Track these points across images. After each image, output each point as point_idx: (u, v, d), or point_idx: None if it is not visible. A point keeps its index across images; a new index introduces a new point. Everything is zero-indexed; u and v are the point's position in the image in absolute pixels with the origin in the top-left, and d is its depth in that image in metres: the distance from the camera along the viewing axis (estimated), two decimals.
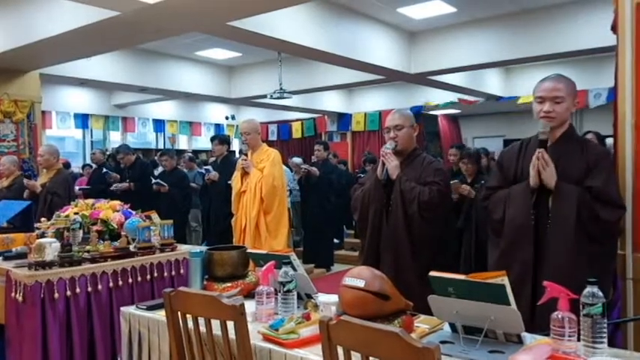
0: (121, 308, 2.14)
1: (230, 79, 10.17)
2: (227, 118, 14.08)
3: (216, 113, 14.08)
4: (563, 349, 1.51)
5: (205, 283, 2.29)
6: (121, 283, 2.64)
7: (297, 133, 13.63)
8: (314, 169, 6.83)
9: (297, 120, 13.65)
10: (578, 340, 1.51)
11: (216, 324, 1.67)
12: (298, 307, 1.94)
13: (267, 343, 1.69)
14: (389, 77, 8.31)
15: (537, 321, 2.04)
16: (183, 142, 14.44)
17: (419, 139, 12.44)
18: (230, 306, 1.59)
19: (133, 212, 3.35)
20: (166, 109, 13.27)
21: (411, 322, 1.74)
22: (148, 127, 13.36)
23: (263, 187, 3.98)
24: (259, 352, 1.69)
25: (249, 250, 2.30)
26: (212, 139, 6.04)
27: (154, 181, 6.83)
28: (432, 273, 1.66)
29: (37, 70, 7.16)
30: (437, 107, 11.49)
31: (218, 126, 14.55)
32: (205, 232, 7.02)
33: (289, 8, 5.44)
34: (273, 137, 14.01)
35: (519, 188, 2.32)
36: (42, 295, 2.35)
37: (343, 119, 12.89)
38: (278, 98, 8.85)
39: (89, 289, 2.52)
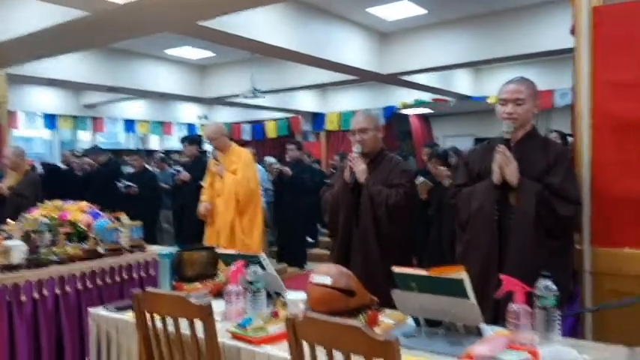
0: (89, 309, 2.14)
1: (203, 78, 10.11)
2: (200, 117, 14.01)
3: (188, 113, 13.96)
4: (519, 339, 1.58)
5: (175, 283, 2.30)
6: (89, 284, 2.63)
7: (271, 132, 13.61)
8: (286, 168, 6.86)
9: (271, 120, 13.64)
10: None
11: (184, 323, 1.69)
12: (268, 306, 1.98)
13: (235, 342, 1.72)
14: (361, 77, 8.39)
15: (502, 312, 2.11)
16: (154, 142, 14.30)
17: (392, 139, 12.52)
18: (198, 306, 1.62)
19: (102, 213, 3.33)
20: (137, 109, 13.09)
21: (375, 317, 1.79)
22: (118, 127, 13.17)
23: (240, 191, 3.96)
24: (228, 351, 1.71)
25: (218, 251, 2.32)
26: (182, 140, 6.01)
27: (125, 183, 6.75)
28: (395, 268, 1.72)
29: (3, 69, 7.00)
30: (410, 107, 11.63)
31: (190, 126, 14.43)
32: (177, 233, 6.99)
33: (260, 8, 5.45)
34: (247, 137, 13.95)
35: (483, 185, 2.40)
36: (8, 299, 2.32)
37: (317, 119, 12.93)
38: (251, 98, 8.85)
39: (57, 291, 2.50)
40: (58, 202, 3.42)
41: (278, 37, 6.26)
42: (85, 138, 13.06)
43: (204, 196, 4.20)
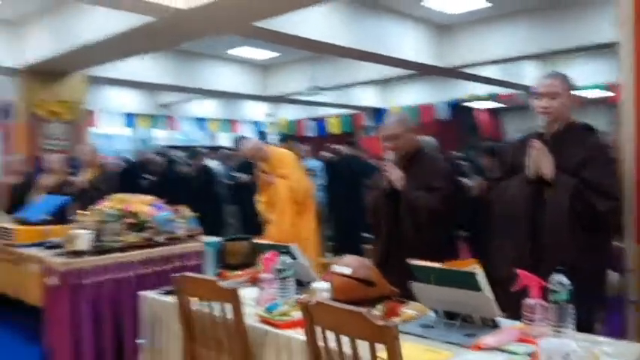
0: (140, 293, 2.36)
1: (266, 77, 10.41)
2: (267, 115, 14.41)
3: (254, 111, 14.40)
4: (533, 333, 1.61)
5: (219, 270, 2.48)
6: (146, 270, 2.87)
7: (333, 128, 13.76)
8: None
9: (333, 116, 13.79)
10: None
11: (217, 306, 1.85)
12: (298, 293, 2.10)
13: (262, 325, 1.86)
14: (420, 71, 8.33)
15: None
16: (223, 140, 14.85)
17: (456, 133, 12.21)
18: (226, 289, 1.77)
19: (164, 206, 3.59)
20: (208, 108, 13.68)
21: (395, 307, 1.86)
22: (190, 125, 13.82)
23: (297, 192, 3.95)
24: (255, 332, 1.85)
25: (255, 241, 2.48)
26: (237, 141, 6.19)
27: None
28: (413, 261, 1.78)
29: (83, 72, 7.58)
30: (474, 100, 11.39)
31: (257, 123, 14.88)
32: (242, 227, 7.29)
33: (317, 7, 5.58)
34: (310, 133, 14.20)
35: (517, 179, 2.39)
36: (73, 281, 2.60)
37: (379, 114, 12.92)
38: (311, 95, 9.03)
39: (118, 275, 2.75)
40: (124, 195, 3.72)
41: (334, 35, 6.37)
42: (160, 135, 13.80)
43: (260, 208, 4.20)
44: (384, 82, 11.13)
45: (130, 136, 13.40)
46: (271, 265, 2.09)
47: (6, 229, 3.15)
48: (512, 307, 1.78)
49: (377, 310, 1.80)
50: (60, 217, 3.30)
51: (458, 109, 11.74)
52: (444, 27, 7.68)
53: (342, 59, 8.65)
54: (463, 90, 11.04)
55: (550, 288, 1.60)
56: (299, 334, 1.75)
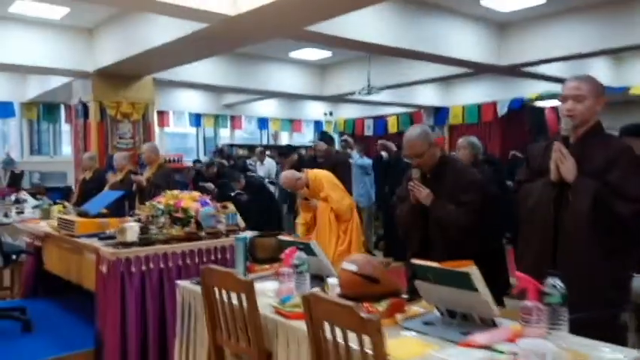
0: (176, 282, 2.58)
1: (323, 77, 10.58)
2: (326, 114, 14.60)
3: (315, 110, 14.63)
4: (529, 334, 1.64)
5: (249, 264, 2.65)
6: (188, 261, 3.10)
7: (393, 127, 13.73)
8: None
9: (392, 115, 13.76)
10: None
11: (234, 296, 2.01)
12: (315, 287, 2.22)
13: (276, 315, 2.00)
14: (478, 70, 8.19)
15: None
16: (284, 138, 15.20)
17: (522, 133, 11.76)
18: (241, 280, 1.93)
19: (210, 202, 3.83)
20: (270, 108, 14.06)
21: (399, 304, 1.94)
22: (253, 125, 14.26)
23: (340, 212, 4.04)
24: (269, 322, 2.00)
25: (280, 237, 2.62)
26: (320, 138, 6.36)
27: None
28: (413, 260, 1.86)
29: (151, 75, 8.08)
30: (540, 99, 11.00)
31: (317, 122, 15.10)
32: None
33: (371, 9, 5.66)
34: (369, 132, 14.23)
35: (541, 182, 2.39)
36: (121, 269, 2.86)
37: (440, 113, 12.77)
38: (366, 94, 9.09)
39: (161, 265, 3.00)
40: (176, 192, 4.00)
41: (388, 36, 6.41)
42: (224, 134, 14.34)
43: (299, 231, 4.32)
44: (444, 81, 10.98)
45: (196, 134, 14.02)
46: (290, 260, 2.23)
47: (69, 221, 3.49)
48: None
49: (380, 306, 1.89)
50: (117, 210, 3.61)
51: (524, 107, 11.39)
52: (502, 25, 7.52)
53: (398, 58, 8.67)
54: (527, 88, 10.71)
55: (544, 291, 1.64)
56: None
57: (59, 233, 3.58)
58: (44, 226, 3.93)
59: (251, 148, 13.98)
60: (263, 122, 14.23)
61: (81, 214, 3.63)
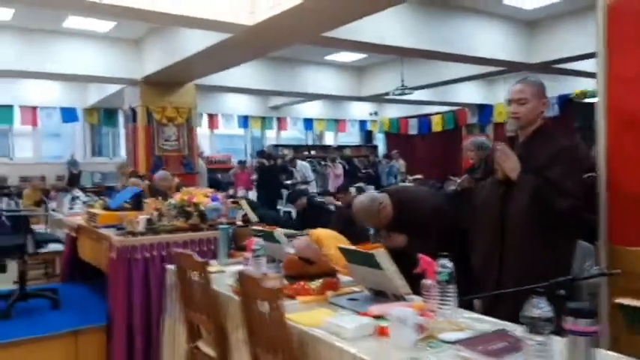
0: (166, 266, 2.95)
1: (360, 78, 10.82)
2: (371, 114, 14.79)
3: (359, 110, 14.86)
4: (428, 307, 1.87)
5: (231, 251, 3.00)
6: (189, 249, 3.46)
7: (437, 126, 13.74)
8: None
9: (436, 113, 13.77)
10: None
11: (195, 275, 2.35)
12: (272, 269, 2.52)
13: (230, 293, 2.32)
14: (509, 68, 8.17)
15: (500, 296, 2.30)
16: (329, 139, 15.54)
17: (569, 129, 11.45)
18: (197, 261, 2.26)
19: (220, 197, 4.21)
20: (314, 109, 14.44)
21: (332, 283, 2.20)
22: (298, 126, 14.69)
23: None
24: (224, 298, 2.32)
25: (252, 227, 2.94)
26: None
27: None
28: (341, 245, 2.12)
29: (193, 81, 8.64)
30: (584, 95, 10.73)
31: (362, 122, 15.33)
32: None
33: (389, 13, 5.85)
34: (413, 131, 14.31)
35: (491, 180, 2.58)
36: (128, 256, 3.28)
37: (484, 111, 12.67)
38: (400, 95, 9.26)
39: (163, 253, 3.39)
40: (192, 189, 4.41)
41: (409, 39, 6.60)
42: (271, 135, 14.86)
43: None
44: (485, 78, 10.93)
45: (244, 136, 14.63)
46: (251, 246, 2.54)
47: (93, 213, 3.97)
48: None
49: (314, 284, 2.17)
50: (136, 204, 4.06)
51: (568, 104, 11.12)
52: (530, 23, 7.49)
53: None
54: (570, 85, 10.48)
55: (437, 270, 1.86)
56: None
57: (88, 225, 4.07)
58: (79, 219, 4.46)
59: (296, 149, 14.44)
60: (308, 123, 14.63)
61: (105, 208, 4.11)
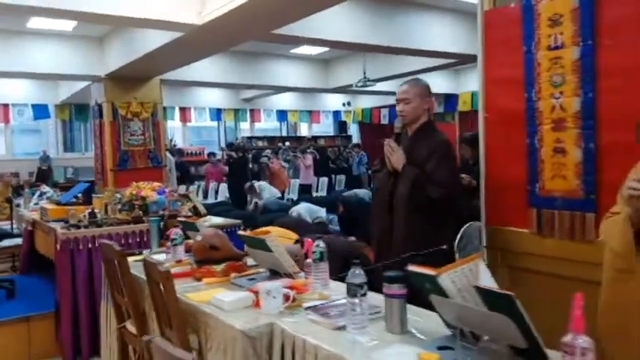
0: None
1: (327, 70, 11.06)
2: (344, 104, 15.03)
3: (333, 101, 15.10)
4: (308, 282, 2.16)
5: (162, 241, 3.26)
6: (131, 240, 3.73)
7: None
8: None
9: None
10: None
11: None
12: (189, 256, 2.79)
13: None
14: (463, 61, 8.47)
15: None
16: (304, 129, 15.79)
17: None
18: (116, 250, 2.52)
19: (166, 191, 4.45)
20: (287, 100, 14.65)
21: (235, 266, 2.46)
22: (272, 117, 14.91)
23: None
24: (142, 282, 2.58)
25: (180, 219, 3.21)
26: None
27: None
28: (240, 233, 2.40)
29: (158, 77, 8.81)
30: None
31: (336, 113, 15.58)
32: None
33: (341, 9, 6.08)
34: (384, 121, 14.58)
35: (385, 170, 2.89)
36: (71, 247, 3.53)
37: (450, 100, 12.99)
38: (362, 86, 9.52)
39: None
40: (141, 183, 4.65)
41: (361, 34, 6.82)
42: (245, 127, 15.08)
43: None
44: (454, 67, 11.17)
45: (217, 128, 14.82)
46: (171, 236, 2.81)
47: (45, 208, 4.21)
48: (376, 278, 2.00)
49: (219, 267, 2.44)
50: (84, 199, 4.31)
51: None
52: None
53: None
54: None
55: (312, 250, 2.14)
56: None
57: (41, 219, 4.31)
58: (35, 214, 4.69)
59: (270, 140, 14.68)
60: (282, 115, 14.86)
61: (56, 203, 4.35)
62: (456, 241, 3.01)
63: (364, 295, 1.58)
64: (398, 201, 2.71)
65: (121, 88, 8.53)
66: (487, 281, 1.39)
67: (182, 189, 10.25)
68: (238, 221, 4.49)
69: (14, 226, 6.07)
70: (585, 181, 2.29)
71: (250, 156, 11.31)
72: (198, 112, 13.67)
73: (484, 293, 1.34)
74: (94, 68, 8.28)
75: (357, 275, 1.58)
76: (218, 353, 1.90)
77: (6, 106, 11.09)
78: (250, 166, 11.01)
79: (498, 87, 2.68)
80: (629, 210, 1.69)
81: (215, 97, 13.72)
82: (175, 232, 2.75)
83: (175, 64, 7.91)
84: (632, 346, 1.63)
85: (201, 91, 13.28)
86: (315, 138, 15.13)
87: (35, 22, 7.21)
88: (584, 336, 1.16)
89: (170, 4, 5.29)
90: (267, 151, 12.33)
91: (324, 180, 12.11)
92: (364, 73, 9.35)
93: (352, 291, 1.58)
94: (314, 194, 11.24)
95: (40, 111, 11.39)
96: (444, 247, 2.43)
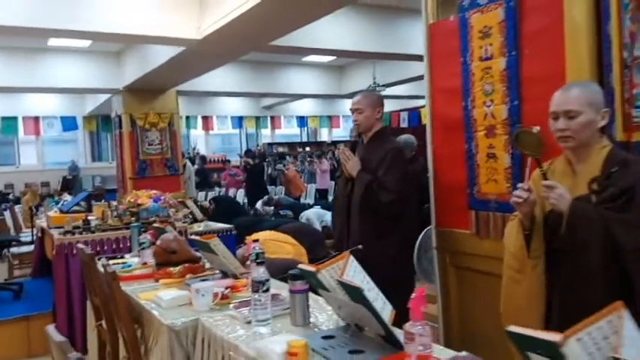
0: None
1: (340, 77, 11.23)
2: None
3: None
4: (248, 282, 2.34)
5: None
6: (122, 245, 3.99)
7: (425, 118, 14.00)
8: None
9: (422, 107, 14.06)
10: None
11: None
12: None
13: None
14: None
15: None
16: (324, 134, 15.98)
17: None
18: (87, 254, 2.76)
19: (162, 198, 4.71)
20: (307, 106, 14.89)
21: (192, 268, 2.66)
22: (292, 123, 15.17)
23: None
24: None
25: (155, 225, 3.44)
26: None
27: None
28: (194, 238, 2.60)
29: (174, 88, 9.17)
30: None
31: None
32: None
33: (338, 19, 6.25)
34: (404, 124, 14.62)
35: (342, 177, 3.04)
36: (65, 252, 3.81)
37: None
38: (373, 91, 9.64)
39: (98, 248, 3.91)
40: (140, 191, 4.92)
41: (360, 43, 6.98)
42: (267, 133, 15.39)
43: None
44: None
45: (239, 135, 15.18)
46: (140, 240, 3.04)
47: (49, 216, 4.53)
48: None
49: (176, 269, 2.65)
50: (85, 208, 4.61)
51: None
52: None
53: None
54: None
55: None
56: (131, 285, 2.67)
57: (46, 227, 4.64)
58: (44, 222, 5.03)
59: (291, 146, 14.93)
60: (302, 120, 15.10)
61: (60, 211, 4.67)
62: (416, 248, 3.14)
63: (266, 291, 1.75)
64: (354, 204, 2.86)
65: (139, 100, 8.92)
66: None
67: (202, 195, 10.64)
68: (230, 226, 4.72)
69: (34, 233, 6.48)
70: (514, 184, 2.38)
71: (265, 163, 11.56)
72: (220, 121, 14.05)
73: (344, 286, 1.49)
74: (113, 81, 8.70)
75: (261, 274, 1.75)
76: (156, 346, 2.10)
77: (36, 118, 11.70)
78: (269, 171, 11.24)
79: (443, 96, 2.80)
80: (520, 215, 1.82)
81: (236, 106, 14.07)
82: (144, 237, 2.97)
83: (186, 75, 8.22)
84: None
85: (223, 100, 13.66)
86: (335, 143, 15.28)
87: (55, 40, 7.66)
88: (421, 322, 1.29)
89: (171, 21, 5.59)
90: (287, 159, 12.58)
91: None
92: (374, 79, 9.48)
93: (254, 287, 1.75)
94: (329, 198, 11.39)
95: (69, 123, 11.97)
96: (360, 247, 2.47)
